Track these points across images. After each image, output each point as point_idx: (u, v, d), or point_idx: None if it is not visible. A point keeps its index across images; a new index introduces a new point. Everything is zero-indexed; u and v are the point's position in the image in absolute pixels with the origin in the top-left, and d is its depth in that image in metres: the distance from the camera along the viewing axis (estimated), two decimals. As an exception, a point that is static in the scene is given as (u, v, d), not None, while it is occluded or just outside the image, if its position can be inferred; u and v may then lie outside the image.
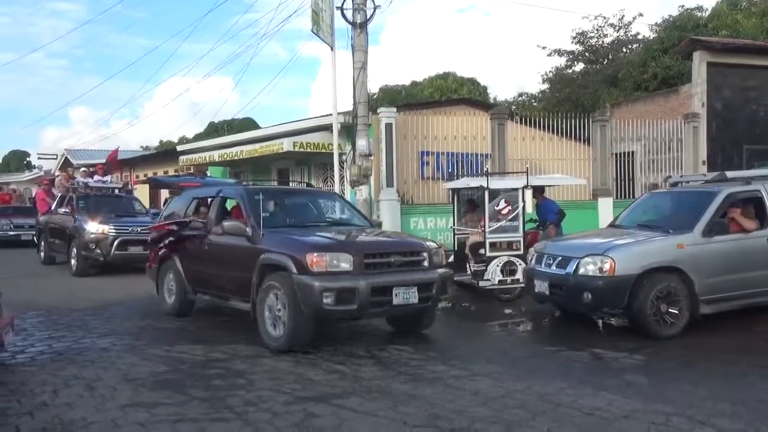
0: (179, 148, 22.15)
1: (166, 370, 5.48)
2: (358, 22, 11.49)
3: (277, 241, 6.36)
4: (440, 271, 6.44)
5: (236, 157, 16.44)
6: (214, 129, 37.19)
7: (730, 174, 7.88)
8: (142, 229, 12.00)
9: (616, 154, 14.94)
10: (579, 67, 26.66)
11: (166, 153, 26.09)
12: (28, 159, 66.89)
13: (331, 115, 12.19)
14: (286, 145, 14.32)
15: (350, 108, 12.06)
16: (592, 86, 24.01)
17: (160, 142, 50.31)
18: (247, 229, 6.60)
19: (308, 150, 14.48)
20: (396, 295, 5.94)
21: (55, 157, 35.18)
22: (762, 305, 7.13)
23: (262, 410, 4.38)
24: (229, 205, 8.02)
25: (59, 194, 14.91)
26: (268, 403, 4.52)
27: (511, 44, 68.22)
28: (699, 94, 15.83)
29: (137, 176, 19.79)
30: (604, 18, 25.31)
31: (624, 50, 25.76)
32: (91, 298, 9.53)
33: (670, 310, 6.49)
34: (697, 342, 6.33)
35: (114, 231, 12.24)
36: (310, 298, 5.69)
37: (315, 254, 5.81)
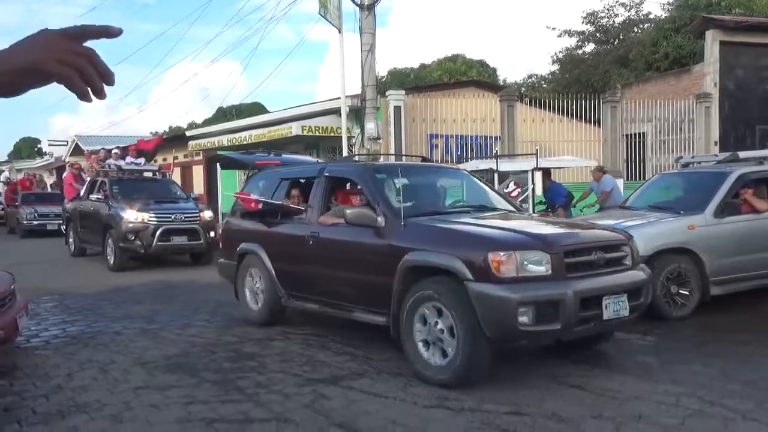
0: (188, 133, 22.19)
1: (177, 353, 5.54)
2: (366, 4, 11.42)
3: (427, 234, 4.87)
4: (645, 270, 5.00)
5: (245, 142, 16.46)
6: (223, 114, 37.17)
7: (742, 154, 7.80)
8: (186, 217, 11.19)
9: (627, 136, 14.84)
10: (589, 47, 26.39)
11: (176, 138, 26.14)
12: (39, 146, 67.33)
13: (339, 98, 12.17)
14: (294, 129, 14.33)
15: (359, 91, 12.04)
16: (603, 67, 23.77)
17: (170, 127, 50.44)
18: (378, 219, 5.10)
19: (317, 134, 14.48)
20: (606, 306, 4.38)
21: (65, 143, 35.31)
22: (774, 286, 7.08)
23: (273, 392, 4.42)
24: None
25: (89, 179, 13.70)
26: (278, 385, 4.56)
27: (521, 25, 67.59)
28: (711, 74, 15.63)
29: (176, 157, 18.57)
30: (615, -3, 24.96)
31: (635, 30, 25.43)
32: (103, 283, 9.62)
33: (680, 291, 6.46)
34: (707, 323, 6.31)
35: (155, 219, 10.91)
36: (498, 316, 4.16)
37: (501, 253, 4.22)
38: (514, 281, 4.17)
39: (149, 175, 13.06)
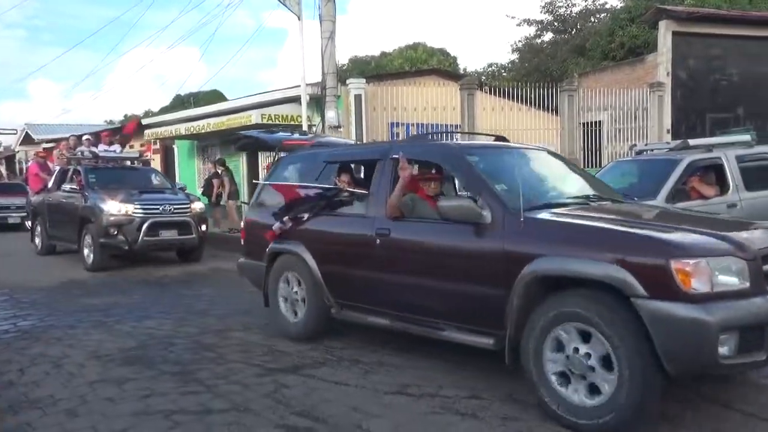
0: (144, 121, 21.66)
1: (134, 345, 5.45)
2: (325, -10, 11.30)
3: (560, 233, 3.79)
4: None
5: (203, 130, 16.19)
6: (180, 102, 36.47)
7: (692, 142, 8.02)
8: (176, 209, 10.15)
9: (584, 124, 15.11)
10: (548, 36, 26.74)
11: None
12: (-14, 134, 64.87)
13: (299, 86, 12.06)
14: (254, 117, 14.15)
15: (319, 79, 11.94)
16: (561, 56, 24.11)
17: (125, 115, 49.24)
18: (484, 214, 3.99)
19: (277, 122, 14.32)
20: None
21: (14, 132, 34.14)
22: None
23: (233, 382, 4.39)
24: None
25: (57, 168, 12.33)
26: (238, 376, 4.53)
27: (481, 14, 67.92)
28: (664, 63, 16.01)
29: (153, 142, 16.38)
30: (573, -13, 25.33)
31: (592, 20, 25.85)
32: (57, 276, 9.38)
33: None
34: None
35: (141, 211, 9.86)
36: (690, 346, 3.16)
37: (689, 261, 3.21)
38: (707, 298, 3.17)
39: (127, 163, 12.05)
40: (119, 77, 78.82)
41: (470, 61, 75.88)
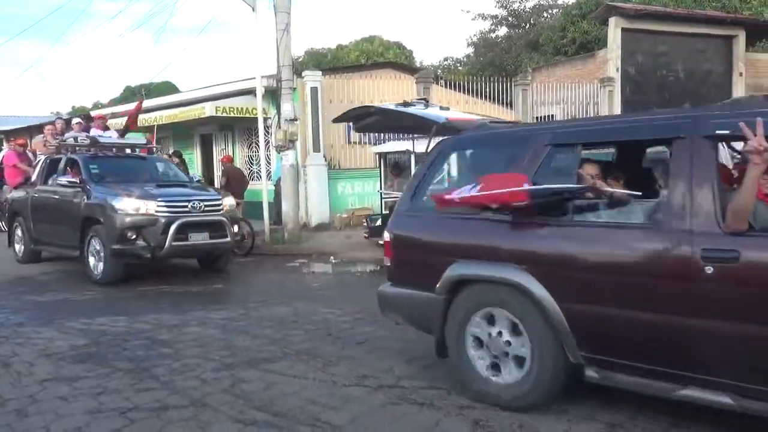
0: (93, 113, 21.04)
1: (86, 343, 5.32)
2: (280, -19, 11.17)
3: None
4: None
5: (156, 122, 15.82)
6: (131, 93, 35.56)
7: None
8: (207, 206, 8.26)
9: (537, 118, 15.41)
10: (502, 31, 27.11)
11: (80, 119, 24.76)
12: (-77, 125, 61.98)
13: (254, 78, 11.91)
14: (208, 109, 13.93)
15: (274, 71, 11.81)
16: (515, 50, 24.48)
17: (73, 107, 47.74)
18: None
19: (231, 114, 14.15)
20: None
21: (-46, 123, 32.67)
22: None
23: (190, 378, 4.35)
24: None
25: (42, 157, 10.25)
26: (195, 371, 4.48)
27: (437, 8, 68.26)
28: (614, 59, 16.45)
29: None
30: (526, -18, 25.72)
31: (545, 15, 26.31)
32: (3, 273, 9.06)
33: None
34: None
35: (166, 209, 7.93)
36: None
37: None
38: None
39: (129, 151, 9.99)
40: (67, 68, 76.30)
41: (426, 55, 76.30)
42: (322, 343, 5.13)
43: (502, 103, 15.14)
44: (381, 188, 10.58)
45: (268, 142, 12.45)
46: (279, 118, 11.56)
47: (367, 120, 6.07)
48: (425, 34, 65.50)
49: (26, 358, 4.91)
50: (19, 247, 10.08)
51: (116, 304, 6.91)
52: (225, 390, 4.11)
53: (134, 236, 7.82)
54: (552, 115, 15.79)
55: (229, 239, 8.39)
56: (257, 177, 14.70)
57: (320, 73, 13.75)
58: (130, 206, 7.88)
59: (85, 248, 8.25)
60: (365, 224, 10.55)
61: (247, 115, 14.03)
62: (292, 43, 11.45)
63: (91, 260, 8.19)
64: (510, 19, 26.72)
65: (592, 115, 15.69)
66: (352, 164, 13.94)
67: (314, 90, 13.14)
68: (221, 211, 8.40)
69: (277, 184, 12.47)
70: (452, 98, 14.65)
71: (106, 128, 11.51)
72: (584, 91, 15.85)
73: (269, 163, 13.67)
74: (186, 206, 8.09)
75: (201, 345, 5.18)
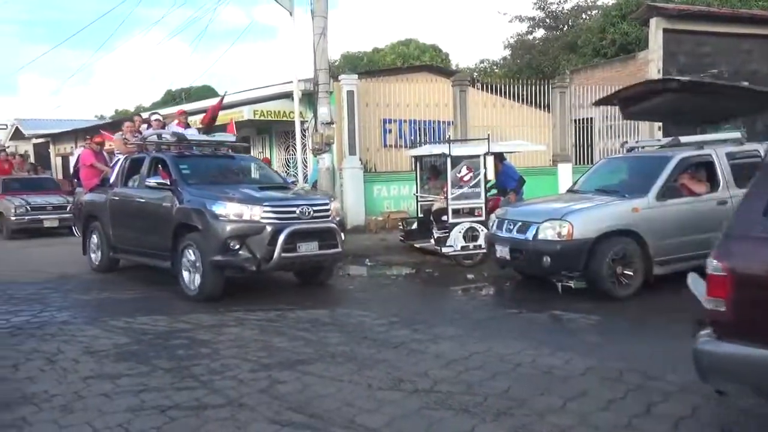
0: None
1: (128, 341, 5.45)
2: (318, -14, 11.27)
3: None
4: None
5: (195, 126, 16.11)
6: (172, 97, 36.31)
7: (683, 139, 8.10)
8: (316, 212, 7.25)
9: (576, 120, 15.18)
10: (540, 33, 26.80)
11: (123, 122, 25.38)
12: (-25, 129, 64.30)
13: (291, 82, 12.02)
14: (246, 113, 14.11)
15: (311, 75, 11.91)
16: (553, 52, 24.18)
17: (116, 111, 48.96)
18: None
19: (269, 118, 14.30)
20: None
21: (5, 127, 33.84)
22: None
23: (228, 378, 4.41)
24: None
25: (120, 157, 9.33)
26: (233, 371, 4.55)
27: (473, 10, 67.89)
28: (655, 61, 16.10)
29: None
30: (565, -16, 25.40)
31: (584, 16, 25.93)
32: (49, 271, 9.34)
33: (625, 271, 6.71)
34: (650, 302, 6.57)
35: (273, 215, 6.95)
36: None
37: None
38: None
39: (209, 149, 8.87)
40: (110, 72, 78.29)
41: (462, 58, 75.94)
42: (358, 346, 5.15)
43: (539, 106, 14.97)
44: (417, 191, 10.57)
45: (305, 145, 12.55)
46: (315, 121, 11.65)
47: (654, 100, 4.43)
48: (461, 36, 65.24)
49: (71, 355, 5.05)
50: (95, 255, 9.21)
51: (156, 303, 7.05)
52: (262, 390, 4.15)
53: (237, 246, 6.80)
54: (591, 118, 15.54)
55: (339, 249, 7.42)
56: (294, 179, 14.84)
57: (356, 76, 13.80)
58: (232, 212, 6.91)
59: (178, 259, 7.27)
60: (401, 227, 10.55)
61: (284, 119, 14.16)
62: (328, 47, 11.54)
63: (185, 274, 7.18)
64: (548, 20, 26.42)
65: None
66: (388, 167, 13.95)
67: (350, 93, 13.19)
68: (330, 217, 7.43)
69: (313, 187, 12.56)
70: (488, 101, 14.56)
71: (187, 125, 10.52)
72: (624, 94, 15.55)
73: (305, 166, 13.77)
74: (294, 212, 7.09)
75: (239, 345, 5.25)
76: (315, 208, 7.28)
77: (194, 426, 3.63)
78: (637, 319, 6.06)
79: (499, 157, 10.04)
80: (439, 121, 14.32)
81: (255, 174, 8.78)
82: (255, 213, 6.93)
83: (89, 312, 6.64)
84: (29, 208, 14.09)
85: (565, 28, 25.93)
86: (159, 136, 8.87)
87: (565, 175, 14.01)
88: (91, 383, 4.36)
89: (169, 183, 7.64)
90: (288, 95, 13.15)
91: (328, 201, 7.68)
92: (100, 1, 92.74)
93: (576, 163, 14.74)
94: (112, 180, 9.03)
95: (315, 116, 11.75)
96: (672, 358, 4.65)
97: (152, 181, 7.77)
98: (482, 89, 14.95)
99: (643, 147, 8.83)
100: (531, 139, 14.01)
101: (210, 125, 11.12)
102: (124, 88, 78.50)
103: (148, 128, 10.28)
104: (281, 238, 6.83)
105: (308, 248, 7.09)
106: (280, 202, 7.22)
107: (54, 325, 6.06)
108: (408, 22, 70.14)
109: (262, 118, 14.24)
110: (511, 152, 10.98)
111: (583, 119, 15.38)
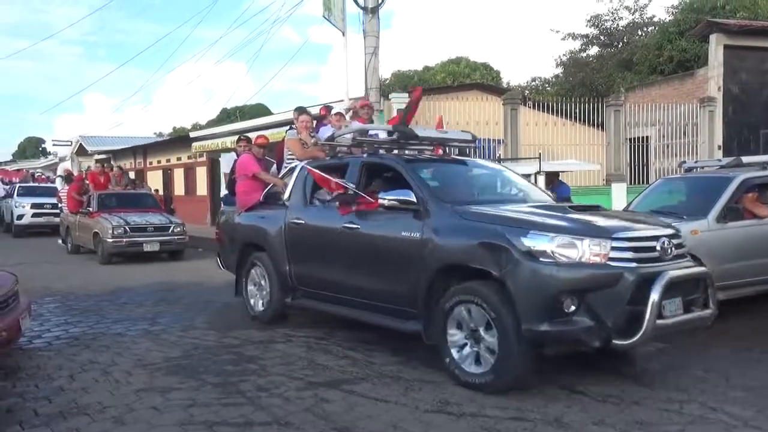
0: (192, 134, 22.24)
1: (179, 355, 5.55)
2: (370, 6, 11.44)
3: None
4: None
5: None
6: (227, 115, 37.27)
7: (746, 159, 7.78)
8: (676, 246, 4.74)
9: (631, 139, 14.83)
10: (593, 50, 26.39)
11: (180, 139, 26.22)
12: (43, 145, 67.53)
13: (342, 100, 12.18)
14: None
15: (362, 93, 12.03)
16: (607, 70, 23.74)
17: (174, 128, 50.61)
18: None
19: (320, 136, 14.46)
20: None
21: (69, 143, 35.44)
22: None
23: (274, 395, 4.42)
24: None
25: (298, 163, 6.79)
26: (280, 389, 4.56)
27: (525, 28, 67.55)
28: (715, 78, 15.62)
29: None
30: (620, 1, 24.98)
31: (639, 33, 25.41)
32: (105, 284, 9.64)
33: (683, 296, 6.44)
34: (712, 328, 6.29)
35: (631, 255, 4.37)
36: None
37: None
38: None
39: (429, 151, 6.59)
40: (168, 91, 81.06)
41: (513, 76, 75.51)
42: (405, 367, 5.10)
43: (593, 125, 14.70)
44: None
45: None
46: (366, 139, 11.71)
47: None
48: (513, 54, 64.90)
49: (124, 367, 5.17)
50: (256, 299, 6.96)
51: (208, 318, 7.16)
52: (307, 409, 4.15)
53: (574, 308, 4.19)
54: (647, 137, 15.15)
55: (712, 311, 4.77)
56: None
57: (407, 95, 13.86)
58: (562, 248, 4.26)
59: (443, 326, 4.72)
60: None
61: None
62: (379, 66, 11.65)
63: (464, 350, 4.65)
64: (602, 38, 26.00)
65: (690, 137, 14.91)
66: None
67: (401, 112, 13.25)
68: (680, 254, 4.80)
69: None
70: (540, 119, 14.39)
71: (371, 120, 8.24)
72: (682, 112, 15.11)
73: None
74: (654, 247, 4.51)
75: (286, 363, 5.27)
76: (674, 242, 4.72)
77: (240, 443, 3.64)
78: (696, 346, 5.80)
79: (555, 176, 9.86)
80: (489, 140, 14.22)
81: (506, 187, 6.19)
82: (600, 251, 4.28)
83: (143, 324, 6.78)
84: (128, 229, 12.33)
85: (620, 45, 25.46)
86: (363, 132, 6.20)
87: (620, 196, 13.66)
88: (142, 396, 4.45)
89: (413, 201, 5.12)
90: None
91: (675, 230, 4.95)
92: (160, 23, 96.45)
93: (630, 183, 14.36)
94: (286, 196, 6.65)
95: (365, 134, 11.81)
96: (733, 389, 4.44)
97: (390, 198, 5.19)
98: (533, 107, 14.79)
99: (702, 167, 8.54)
100: (584, 158, 13.75)
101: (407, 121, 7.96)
102: (182, 106, 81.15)
103: (319, 126, 8.01)
104: (655, 294, 4.19)
105: (673, 309, 4.42)
106: (636, 233, 4.55)
107: (109, 337, 6.22)
108: (459, 40, 70.39)
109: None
110: (564, 171, 10.79)
111: (638, 138, 15.01)
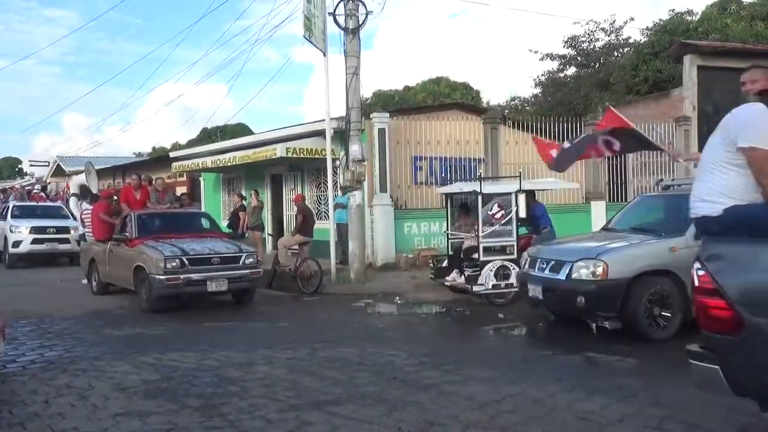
0: (172, 154, 22.08)
1: (158, 378, 5.45)
2: (351, 27, 11.51)
3: None
4: None
5: (229, 163, 16.41)
6: (207, 135, 37.08)
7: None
8: None
9: (609, 158, 15.00)
10: (571, 71, 26.77)
11: (159, 159, 26.02)
12: (20, 166, 66.61)
13: (324, 120, 12.20)
14: (279, 150, 14.31)
15: (343, 113, 12.07)
16: (584, 90, 24.11)
17: (153, 148, 50.23)
18: None
19: (301, 156, 14.48)
20: None
21: (47, 164, 35.04)
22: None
23: (256, 418, 4.36)
24: None
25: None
26: (261, 411, 4.50)
27: (504, 48, 68.51)
28: (690, 98, 15.94)
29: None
30: (596, 23, 25.46)
31: (615, 54, 25.86)
32: (82, 306, 9.47)
33: (663, 313, 6.51)
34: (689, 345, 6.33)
35: None
36: None
37: None
38: None
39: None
40: (148, 111, 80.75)
41: (493, 95, 76.36)
42: (388, 387, 5.06)
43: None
44: (448, 229, 10.52)
45: (337, 182, 12.65)
46: (347, 159, 11.76)
47: None
48: (492, 74, 65.70)
49: (101, 391, 5.06)
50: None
51: (186, 339, 7.06)
52: (290, 431, 4.09)
53: None
54: (625, 155, 15.36)
55: None
56: (325, 216, 14.93)
57: (388, 114, 13.94)
58: None
59: None
60: (431, 265, 10.48)
61: (317, 156, 14.33)
62: (360, 86, 11.71)
63: None
64: (579, 58, 26.41)
65: (667, 156, 15.14)
66: (419, 204, 13.95)
67: (382, 131, 13.32)
68: None
69: (338, 227, 12.63)
70: (520, 138, 14.54)
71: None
72: (658, 131, 15.38)
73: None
74: None
75: (267, 384, 5.20)
76: None
77: (221, 467, 3.57)
78: (676, 363, 5.82)
79: (532, 195, 9.92)
80: (470, 159, 14.32)
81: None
82: None
83: (120, 347, 6.66)
84: (186, 261, 8.73)
85: (596, 66, 25.88)
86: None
87: (599, 213, 13.83)
88: (120, 420, 4.36)
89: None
90: (320, 133, 13.33)
91: None
92: (140, 43, 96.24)
93: (609, 201, 14.54)
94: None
95: (346, 154, 11.86)
96: (714, 405, 4.46)
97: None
98: (513, 127, 14.95)
99: (679, 185, 8.66)
100: (563, 176, 13.89)
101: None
102: (162, 126, 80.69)
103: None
104: None
105: None
106: None
107: (86, 360, 6.10)
108: (439, 60, 71.11)
109: (294, 155, 14.42)
110: (544, 190, 10.88)
111: (616, 156, 15.21)
